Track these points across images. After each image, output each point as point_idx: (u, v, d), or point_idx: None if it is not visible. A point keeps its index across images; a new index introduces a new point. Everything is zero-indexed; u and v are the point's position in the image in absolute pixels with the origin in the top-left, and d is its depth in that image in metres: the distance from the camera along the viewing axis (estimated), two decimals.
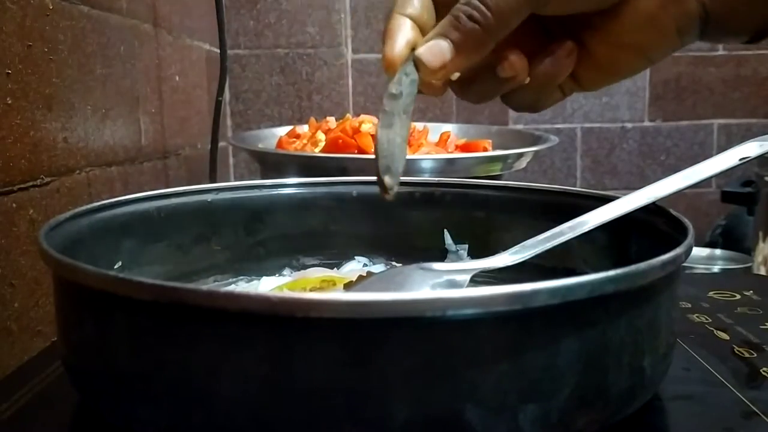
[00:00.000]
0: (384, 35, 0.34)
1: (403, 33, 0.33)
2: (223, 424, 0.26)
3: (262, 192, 0.49)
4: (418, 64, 0.32)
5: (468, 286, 0.38)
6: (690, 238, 0.32)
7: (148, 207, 0.44)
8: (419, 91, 0.34)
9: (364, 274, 0.43)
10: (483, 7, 0.32)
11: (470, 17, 0.32)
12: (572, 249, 0.41)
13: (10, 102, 0.47)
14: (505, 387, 0.26)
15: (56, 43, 0.54)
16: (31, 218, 0.49)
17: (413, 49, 0.33)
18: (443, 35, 0.32)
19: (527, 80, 0.36)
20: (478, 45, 0.32)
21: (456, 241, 0.49)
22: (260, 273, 0.49)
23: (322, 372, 0.25)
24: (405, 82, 0.32)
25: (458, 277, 0.38)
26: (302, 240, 0.50)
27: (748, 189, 1.07)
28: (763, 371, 0.37)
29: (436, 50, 0.32)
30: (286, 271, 0.49)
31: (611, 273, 0.27)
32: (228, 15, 1.07)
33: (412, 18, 0.34)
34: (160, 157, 0.81)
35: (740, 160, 0.39)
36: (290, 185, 0.50)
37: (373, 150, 0.27)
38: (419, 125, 0.89)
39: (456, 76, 0.34)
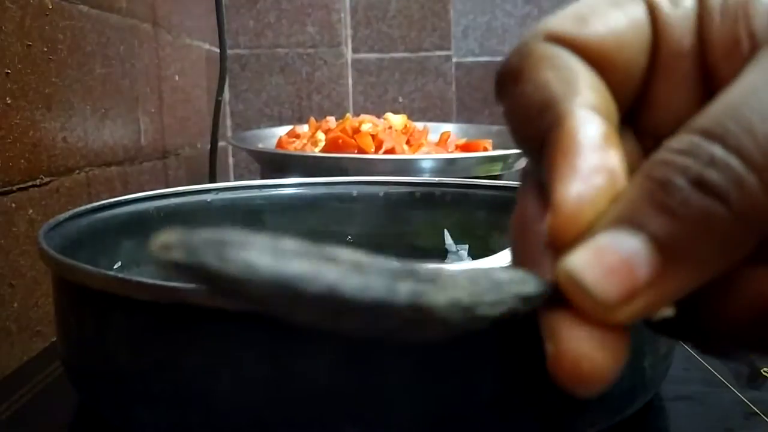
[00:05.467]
0: (551, 155, 0.17)
1: (595, 151, 0.17)
2: (223, 424, 0.26)
3: (262, 192, 0.49)
4: (568, 284, 0.15)
5: None
6: None
7: (147, 207, 0.44)
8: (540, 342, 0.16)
9: None
10: (737, 163, 0.15)
11: (703, 184, 0.15)
12: None
13: (9, 102, 0.47)
14: (505, 387, 0.26)
15: (56, 42, 0.54)
16: (30, 218, 0.49)
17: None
18: (632, 223, 0.15)
19: None
20: (717, 249, 0.15)
21: (456, 241, 0.49)
22: None
23: (322, 372, 0.25)
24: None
25: None
26: (302, 240, 0.50)
27: None
28: (764, 371, 0.37)
29: (616, 260, 0.15)
30: None
31: None
32: (228, 15, 1.06)
33: (596, 111, 0.17)
34: (160, 157, 0.81)
35: None
36: (290, 185, 0.50)
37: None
38: (419, 125, 0.89)
39: (664, 314, 0.16)
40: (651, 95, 0.19)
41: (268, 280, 0.13)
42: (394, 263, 0.14)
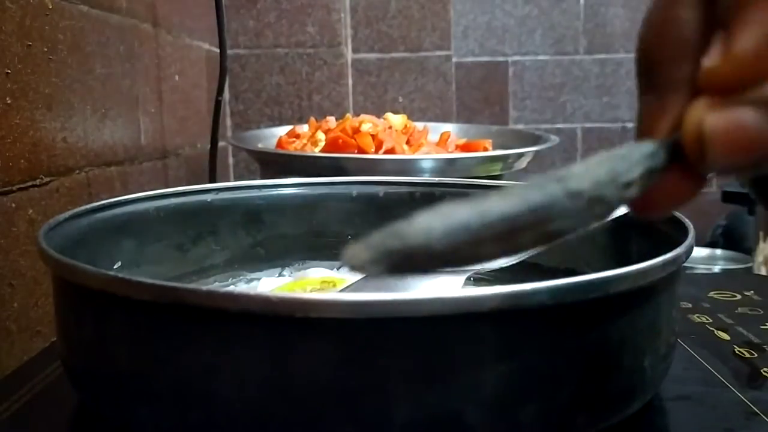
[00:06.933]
0: None
1: None
2: (223, 424, 0.26)
3: (261, 192, 0.49)
4: (693, 141, 0.17)
5: (465, 286, 0.38)
6: (690, 238, 0.32)
7: (147, 207, 0.44)
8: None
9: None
10: None
11: None
12: (572, 249, 0.41)
13: (9, 102, 0.47)
14: (505, 387, 0.26)
15: (56, 42, 0.54)
16: (30, 218, 0.49)
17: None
18: None
19: None
20: None
21: None
22: (260, 273, 0.48)
23: (322, 372, 0.25)
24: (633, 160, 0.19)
25: (454, 278, 0.38)
26: (302, 240, 0.50)
27: None
28: (764, 371, 0.37)
29: (755, 139, 0.16)
30: (286, 271, 0.49)
31: (612, 273, 0.27)
32: (228, 14, 1.06)
33: None
34: (160, 156, 0.81)
35: None
36: (290, 185, 0.50)
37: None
38: (419, 125, 0.89)
39: None
40: None
41: (445, 234, 0.16)
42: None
